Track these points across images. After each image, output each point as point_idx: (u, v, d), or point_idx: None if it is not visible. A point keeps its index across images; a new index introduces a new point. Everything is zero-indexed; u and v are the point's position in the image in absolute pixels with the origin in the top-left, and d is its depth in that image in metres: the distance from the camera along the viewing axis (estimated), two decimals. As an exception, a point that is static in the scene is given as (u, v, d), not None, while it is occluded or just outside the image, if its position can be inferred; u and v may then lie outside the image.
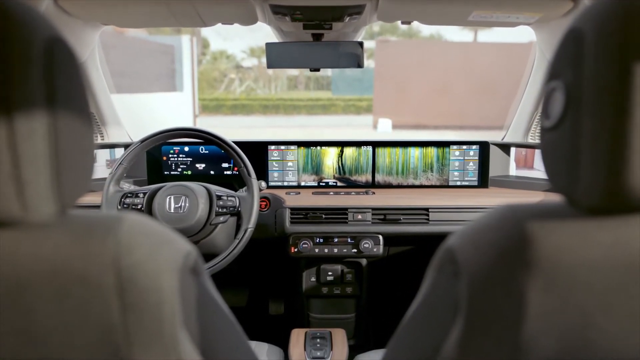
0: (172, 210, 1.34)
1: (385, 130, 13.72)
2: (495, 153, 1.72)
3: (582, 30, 0.46)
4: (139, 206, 1.37)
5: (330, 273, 1.63)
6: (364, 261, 1.63)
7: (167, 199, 1.35)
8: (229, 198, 1.39)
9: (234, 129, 14.34)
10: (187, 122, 13.41)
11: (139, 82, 11.54)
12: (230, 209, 1.38)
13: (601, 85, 0.43)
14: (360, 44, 1.42)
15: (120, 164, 1.40)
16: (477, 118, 12.87)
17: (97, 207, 1.41)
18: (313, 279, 1.66)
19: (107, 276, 0.46)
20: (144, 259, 0.48)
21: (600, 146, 0.43)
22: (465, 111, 13.29)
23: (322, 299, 1.70)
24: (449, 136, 12.35)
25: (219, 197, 1.39)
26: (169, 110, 12.35)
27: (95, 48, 1.54)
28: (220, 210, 1.38)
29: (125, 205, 1.38)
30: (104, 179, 1.40)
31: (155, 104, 11.43)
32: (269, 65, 1.44)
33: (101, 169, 1.67)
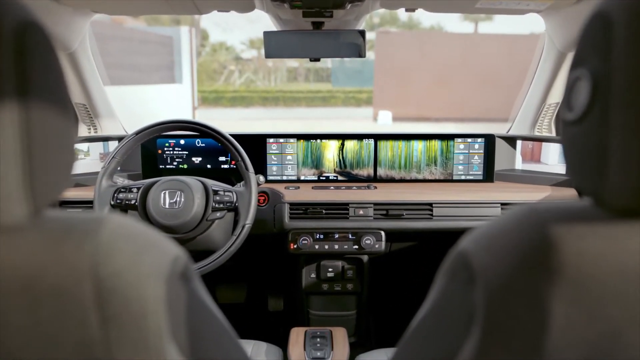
0: (167, 206, 1.29)
1: (385, 122, 13.68)
2: (500, 146, 1.68)
3: (609, 13, 0.41)
4: (133, 201, 1.33)
5: (330, 269, 1.59)
6: (365, 257, 1.59)
7: (162, 194, 1.30)
8: (226, 193, 1.35)
9: (233, 120, 14.29)
10: (186, 114, 13.37)
11: (137, 74, 11.47)
12: (227, 204, 1.34)
13: (633, 72, 0.39)
14: (362, 32, 1.36)
15: (113, 157, 1.36)
16: (479, 110, 12.82)
17: (89, 202, 1.37)
18: (313, 276, 1.62)
19: (85, 286, 0.42)
20: (125, 266, 0.44)
21: (632, 140, 0.39)
22: (466, 103, 13.24)
23: (322, 296, 1.66)
24: (450, 128, 12.32)
25: (216, 192, 1.34)
26: (167, 102, 12.30)
27: (86, 37, 1.48)
28: (216, 205, 1.33)
29: (118, 201, 1.33)
30: (96, 173, 1.36)
31: (153, 96, 11.38)
32: (267, 55, 1.38)
33: (94, 163, 1.63)
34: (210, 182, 1.37)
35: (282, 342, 1.35)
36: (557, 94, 1.60)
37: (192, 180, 1.34)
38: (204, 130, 1.36)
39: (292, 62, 20.74)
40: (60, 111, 0.45)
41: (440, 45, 13.97)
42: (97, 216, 0.46)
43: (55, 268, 0.41)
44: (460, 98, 13.31)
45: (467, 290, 0.48)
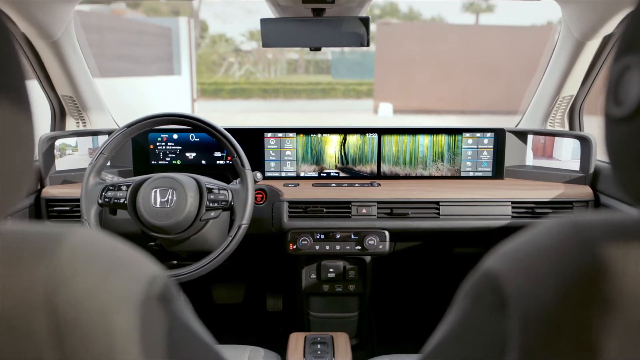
0: (157, 205, 1.22)
1: (386, 114, 13.59)
2: (510, 141, 1.60)
3: None
4: (122, 200, 1.26)
5: (331, 270, 1.53)
6: (367, 257, 1.53)
7: (153, 193, 1.23)
8: (221, 191, 1.27)
9: (232, 113, 14.21)
10: (184, 107, 13.29)
11: (135, 65, 11.36)
12: (222, 203, 1.26)
13: None
14: (366, 20, 1.28)
15: (101, 153, 1.28)
16: (480, 102, 12.74)
17: (77, 200, 1.29)
18: (313, 276, 1.55)
19: (39, 317, 0.35)
20: (88, 292, 0.36)
21: None
22: (468, 95, 13.15)
23: (323, 297, 1.60)
24: (452, 121, 12.24)
25: (210, 190, 1.27)
26: (166, 94, 12.21)
27: (71, 25, 1.39)
28: (211, 204, 1.26)
29: (106, 199, 1.26)
30: (85, 169, 1.28)
31: (152, 88, 11.29)
32: (265, 44, 1.30)
33: (83, 158, 1.55)
34: (204, 180, 1.29)
35: (280, 345, 1.29)
36: (572, 86, 1.52)
37: (184, 178, 1.26)
38: (197, 125, 1.28)
39: (292, 54, 20.64)
40: (14, 104, 0.38)
41: (441, 36, 13.85)
42: (57, 231, 0.39)
43: (3, 295, 0.34)
44: (462, 90, 13.22)
45: (497, 318, 0.40)
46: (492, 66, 12.98)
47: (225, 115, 13.57)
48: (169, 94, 12.43)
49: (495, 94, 12.84)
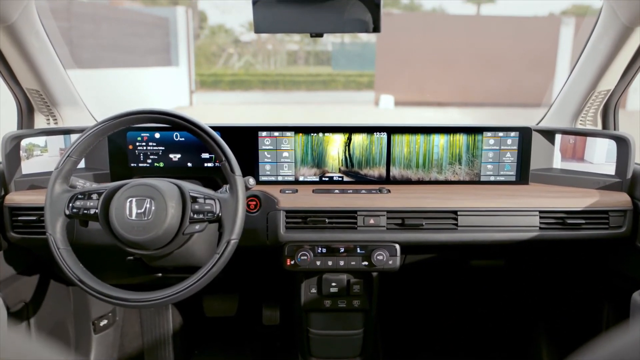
0: (133, 217, 1.05)
1: (387, 107, 13.39)
2: (535, 141, 1.42)
3: None
4: (92, 211, 1.09)
5: (334, 284, 1.37)
6: None
7: (127, 202, 1.06)
8: (207, 201, 1.09)
9: (231, 105, 14.04)
10: (182, 98, 13.12)
11: (132, 56, 11.16)
12: (208, 215, 1.09)
13: None
14: (376, 1, 1.09)
15: (68, 156, 1.10)
16: (483, 94, 12.56)
17: (42, 209, 1.12)
18: (313, 290, 1.40)
19: None
20: None
21: None
22: (470, 87, 12.96)
23: (324, 313, 1.44)
24: (454, 113, 12.04)
25: (194, 200, 1.09)
26: (163, 86, 12.03)
27: (32, 6, 1.19)
28: (195, 216, 1.08)
29: (74, 210, 1.09)
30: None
31: (149, 79, 11.10)
32: (257, 30, 1.11)
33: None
34: (188, 187, 1.12)
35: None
36: (610, 79, 1.33)
37: (165, 185, 1.09)
38: (178, 123, 1.11)
39: (292, 45, 20.43)
40: None
41: (443, 27, 13.63)
42: None
43: None
44: (464, 82, 13.02)
45: None
46: (494, 57, 12.78)
47: (225, 107, 13.39)
48: (166, 85, 12.25)
49: (498, 85, 12.67)
